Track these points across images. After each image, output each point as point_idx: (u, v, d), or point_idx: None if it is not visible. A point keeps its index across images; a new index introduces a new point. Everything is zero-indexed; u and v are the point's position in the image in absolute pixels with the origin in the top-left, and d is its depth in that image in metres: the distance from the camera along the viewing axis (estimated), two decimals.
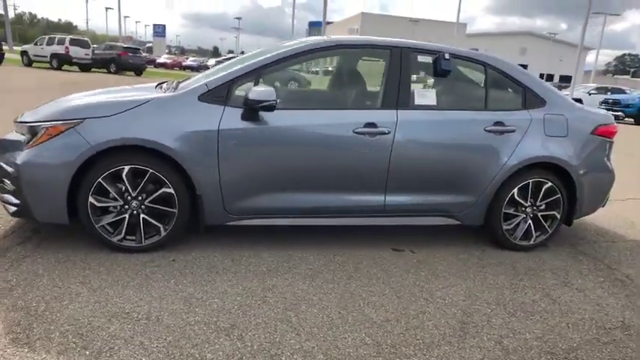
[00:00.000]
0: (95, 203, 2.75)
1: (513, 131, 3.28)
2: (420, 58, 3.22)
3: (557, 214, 3.47)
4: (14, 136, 2.93)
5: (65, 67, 22.77)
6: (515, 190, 3.34)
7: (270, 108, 2.77)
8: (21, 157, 2.71)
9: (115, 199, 2.79)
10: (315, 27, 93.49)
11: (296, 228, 3.35)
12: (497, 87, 3.43)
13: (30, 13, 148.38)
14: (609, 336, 2.43)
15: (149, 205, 2.84)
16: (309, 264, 2.95)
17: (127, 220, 2.83)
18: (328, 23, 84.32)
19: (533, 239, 3.47)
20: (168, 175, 2.79)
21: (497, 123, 3.25)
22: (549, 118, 3.39)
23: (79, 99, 3.03)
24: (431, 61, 3.23)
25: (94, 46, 27.22)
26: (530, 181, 3.35)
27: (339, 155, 3.02)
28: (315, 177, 3.03)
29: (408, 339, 2.23)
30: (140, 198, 2.82)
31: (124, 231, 2.83)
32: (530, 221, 3.45)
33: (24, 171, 2.68)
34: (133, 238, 2.87)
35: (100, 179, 2.71)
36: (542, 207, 3.45)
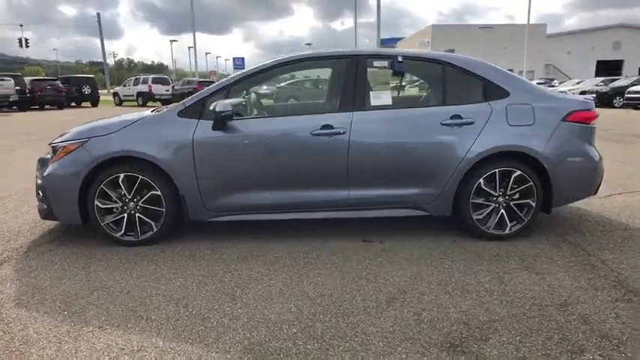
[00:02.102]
0: (100, 205, 3.37)
1: (472, 123, 3.41)
2: (377, 64, 3.50)
3: (531, 202, 3.49)
4: (49, 155, 3.68)
5: (150, 103, 25.36)
6: (482, 180, 3.44)
7: (229, 117, 3.23)
8: (46, 170, 3.43)
9: (116, 202, 3.39)
10: (386, 44, 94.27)
11: (278, 223, 3.74)
12: (455, 83, 3.58)
13: (128, 59, 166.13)
14: (540, 311, 2.49)
15: (142, 205, 3.40)
16: (276, 253, 3.31)
17: (125, 218, 3.42)
18: (399, 39, 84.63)
19: (508, 228, 3.52)
20: (155, 179, 3.35)
21: (454, 116, 3.41)
22: (513, 107, 3.47)
23: (96, 122, 3.72)
24: (386, 66, 3.50)
25: (175, 82, 30.10)
26: (497, 170, 3.43)
27: (301, 155, 3.38)
28: (282, 176, 3.41)
29: (331, 309, 2.50)
30: (135, 200, 3.40)
31: (124, 228, 3.42)
32: (503, 211, 3.51)
33: (47, 181, 3.39)
34: (132, 233, 3.44)
35: (102, 185, 3.34)
36: (516, 196, 3.50)
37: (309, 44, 75.02)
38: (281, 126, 3.41)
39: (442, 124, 3.39)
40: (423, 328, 2.33)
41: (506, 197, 3.50)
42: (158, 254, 3.31)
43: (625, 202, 4.57)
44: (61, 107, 23.72)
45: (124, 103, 26.61)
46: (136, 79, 27.12)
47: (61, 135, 3.74)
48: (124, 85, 27.94)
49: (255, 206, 3.46)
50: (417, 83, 3.77)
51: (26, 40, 43.37)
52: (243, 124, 3.37)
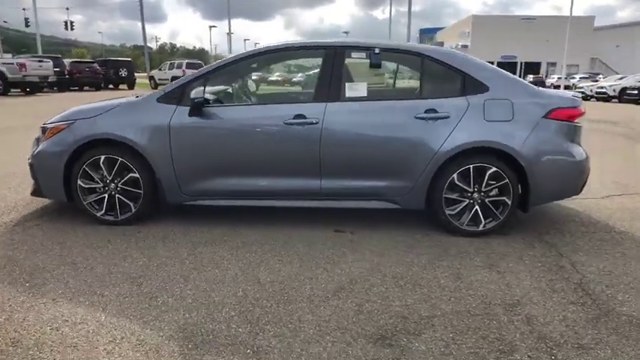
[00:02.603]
0: (83, 185, 3.54)
1: (447, 117, 3.36)
2: (354, 55, 3.49)
3: (507, 200, 3.42)
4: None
5: None
6: (455, 176, 3.39)
7: (201, 104, 3.30)
8: (35, 150, 3.62)
9: (97, 182, 3.55)
10: (426, 34, 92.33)
11: (257, 210, 3.82)
12: (433, 76, 3.53)
13: (170, 43, 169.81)
14: (486, 310, 2.47)
15: (122, 187, 3.55)
16: (245, 238, 3.39)
17: (106, 199, 3.57)
18: (440, 29, 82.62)
19: (482, 225, 3.46)
20: (134, 162, 3.48)
21: (429, 110, 3.36)
22: (491, 103, 3.38)
23: (84, 105, 3.89)
24: (364, 57, 3.47)
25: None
26: (471, 166, 3.37)
27: (273, 144, 3.43)
28: (256, 164, 3.47)
29: (275, 296, 2.56)
30: (116, 181, 3.54)
31: (104, 208, 3.58)
32: (477, 207, 3.45)
33: (36, 160, 3.59)
34: (112, 213, 3.60)
35: (84, 166, 3.50)
36: (492, 193, 3.43)
37: (346, 32, 74.44)
38: (256, 114, 3.47)
39: (416, 118, 3.36)
40: (360, 319, 2.35)
41: (482, 194, 3.44)
42: (134, 234, 3.45)
43: (621, 204, 4.39)
44: (98, 89, 24.62)
45: (160, 86, 27.31)
46: (171, 63, 27.79)
47: (53, 116, 3.93)
48: (160, 69, 28.70)
49: (230, 192, 3.54)
50: (403, 76, 3.71)
51: (71, 23, 45.03)
52: (219, 111, 3.45)
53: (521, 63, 50.73)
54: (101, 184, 3.55)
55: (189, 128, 3.43)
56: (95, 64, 24.83)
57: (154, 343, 2.10)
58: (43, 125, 3.72)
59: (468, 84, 3.44)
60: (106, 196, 3.57)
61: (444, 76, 3.52)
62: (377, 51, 3.43)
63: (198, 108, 3.38)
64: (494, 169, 3.36)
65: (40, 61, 19.85)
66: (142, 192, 3.53)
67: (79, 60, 27.55)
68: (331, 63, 3.46)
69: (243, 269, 2.89)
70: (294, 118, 3.36)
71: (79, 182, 3.53)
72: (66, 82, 22.07)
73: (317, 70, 3.51)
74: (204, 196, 3.56)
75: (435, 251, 3.23)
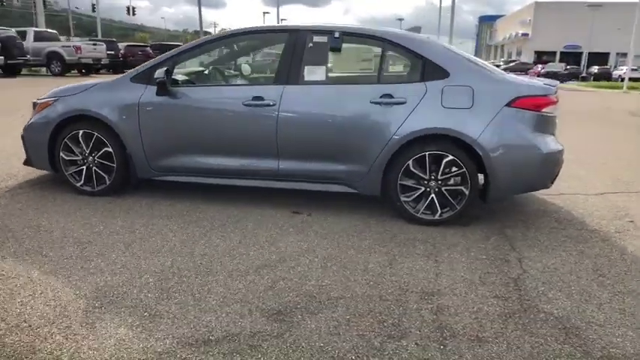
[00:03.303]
0: (65, 157, 3.82)
1: (403, 103, 3.31)
2: (316, 39, 3.50)
3: (464, 189, 3.34)
4: None
5: None
6: (411, 162, 3.34)
7: (163, 83, 3.45)
8: (26, 123, 3.94)
9: (77, 155, 3.82)
10: (485, 22, 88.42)
11: (224, 187, 3.95)
12: (394, 61, 3.48)
13: (228, 29, 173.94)
14: (398, 296, 2.45)
15: (98, 160, 3.79)
16: (202, 214, 3.53)
17: (84, 171, 3.84)
18: (500, 16, 78.83)
19: (438, 214, 3.40)
20: (108, 137, 3.71)
21: (385, 95, 3.32)
22: (450, 89, 3.29)
23: (71, 84, 4.16)
24: (325, 41, 3.47)
25: None
26: (427, 153, 3.31)
27: (233, 124, 3.53)
28: (217, 143, 3.60)
29: (200, 268, 2.68)
30: (93, 155, 3.80)
31: (83, 179, 3.85)
32: (433, 195, 3.40)
33: (26, 132, 3.91)
34: (90, 184, 3.86)
35: (65, 139, 3.77)
36: (451, 182, 3.36)
37: (400, 19, 72.83)
38: (217, 95, 3.58)
39: (371, 102, 3.33)
40: (267, 295, 2.42)
41: (438, 182, 3.37)
42: (105, 205, 3.69)
43: (611, 202, 4.12)
44: None
45: None
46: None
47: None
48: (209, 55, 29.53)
49: (194, 169, 3.70)
50: (365, 60, 3.68)
51: (133, 8, 47.30)
52: (184, 91, 3.59)
53: (586, 53, 47.49)
54: (80, 157, 3.82)
55: (155, 107, 3.60)
56: (148, 48, 25.97)
57: (66, 300, 2.29)
58: (34, 101, 4.03)
59: (427, 69, 3.36)
60: (84, 168, 3.83)
61: (404, 61, 3.46)
62: (337, 35, 3.42)
63: (163, 87, 3.53)
64: (450, 157, 3.29)
65: (94, 45, 21.11)
66: (114, 165, 3.76)
67: (133, 44, 28.93)
68: (293, 46, 3.50)
69: (183, 241, 3.04)
70: (252, 100, 3.44)
71: (62, 154, 3.81)
72: (120, 65, 23.28)
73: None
74: (171, 172, 3.74)
75: (380, 237, 3.22)
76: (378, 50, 3.48)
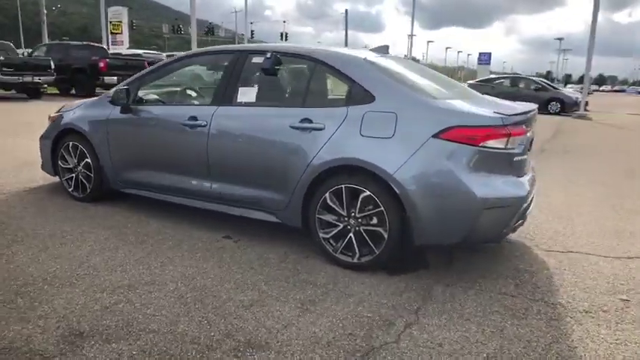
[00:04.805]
0: (62, 165, 4.35)
1: (321, 129, 2.99)
2: (254, 60, 3.38)
3: (382, 232, 2.86)
4: None
5: None
6: (328, 195, 2.99)
7: (112, 102, 3.70)
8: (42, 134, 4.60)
9: (69, 164, 4.30)
10: None
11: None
12: (322, 83, 3.17)
13: None
14: (184, 337, 2.21)
15: (82, 170, 4.22)
16: (144, 228, 3.62)
17: (74, 178, 4.29)
18: None
19: (356, 257, 2.97)
20: (88, 149, 4.11)
21: (305, 120, 3.04)
22: (372, 115, 2.87)
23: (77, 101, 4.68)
24: (260, 62, 3.33)
25: None
26: (343, 186, 2.93)
27: (175, 143, 3.61)
28: (162, 160, 3.72)
29: (61, 274, 2.79)
30: (80, 165, 4.24)
31: (72, 185, 4.31)
32: (351, 235, 2.98)
33: (40, 141, 4.55)
34: (77, 191, 4.30)
35: (61, 150, 4.29)
36: (373, 221, 2.92)
37: (560, 39, 65.81)
38: (165, 113, 3.70)
39: (291, 127, 3.08)
40: (92, 314, 2.40)
41: (358, 220, 2.95)
42: (83, 210, 4.03)
43: (631, 271, 3.09)
44: None
45: None
46: None
47: None
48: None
49: (148, 185, 3.86)
50: (298, 82, 3.44)
51: (286, 34, 52.04)
52: (142, 110, 3.80)
53: None
54: (72, 166, 4.30)
55: (119, 123, 3.88)
56: None
57: None
58: (50, 114, 4.67)
59: (354, 93, 2.99)
60: (74, 175, 4.29)
61: (332, 84, 3.13)
62: (268, 55, 3.26)
63: (123, 106, 3.79)
64: (367, 193, 2.85)
65: None
66: (92, 175, 4.14)
67: None
68: (232, 67, 3.45)
69: (93, 249, 3.20)
70: (188, 120, 3.48)
71: (60, 163, 4.35)
72: None
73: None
74: (131, 185, 3.97)
75: (280, 274, 2.93)
76: (308, 71, 3.22)
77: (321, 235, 3.08)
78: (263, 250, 3.28)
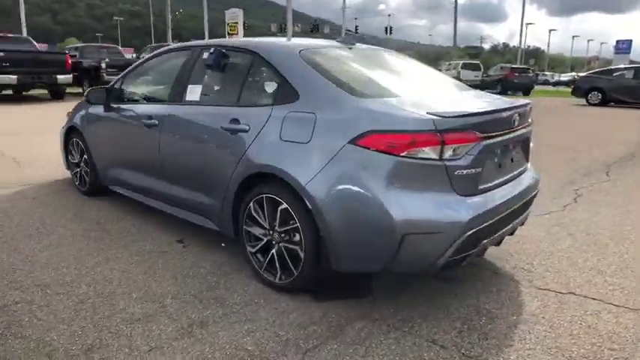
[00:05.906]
0: (71, 160, 4.61)
1: (246, 131, 2.68)
2: (204, 56, 3.17)
3: (299, 251, 2.48)
4: None
5: None
6: (252, 205, 2.69)
7: (88, 100, 3.77)
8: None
9: (75, 159, 4.53)
10: None
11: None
12: (257, 80, 2.83)
13: (503, 44, 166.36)
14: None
15: (82, 165, 4.41)
16: (117, 226, 3.66)
17: (79, 172, 4.51)
18: None
19: (277, 277, 2.63)
20: (85, 146, 4.28)
21: (233, 120, 2.76)
22: (292, 116, 2.50)
23: None
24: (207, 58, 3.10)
25: (497, 67, 28.80)
26: (264, 196, 2.60)
27: (138, 143, 3.56)
28: (129, 160, 3.72)
29: (13, 270, 2.87)
30: (82, 160, 4.43)
31: (78, 179, 4.54)
32: (273, 251, 2.64)
33: (60, 136, 4.87)
34: (80, 184, 4.51)
35: (69, 146, 4.55)
36: (296, 237, 2.55)
37: None
38: (132, 112, 3.66)
39: (222, 128, 2.82)
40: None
41: (281, 235, 2.60)
42: (78, 204, 4.23)
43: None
44: None
45: None
46: (449, 64, 27.79)
47: None
48: (440, 70, 29.14)
49: (122, 183, 3.90)
50: (240, 78, 3.08)
51: (390, 28, 50.81)
52: (118, 108, 3.82)
53: None
54: (76, 160, 4.52)
55: (102, 120, 3.97)
56: None
57: None
58: (68, 111, 4.97)
59: (282, 91, 2.63)
60: (79, 170, 4.52)
61: (265, 80, 2.79)
62: (211, 50, 3.02)
63: (104, 104, 3.86)
64: (284, 205, 2.49)
65: None
66: (89, 170, 4.31)
67: None
68: (187, 64, 3.29)
69: (51, 243, 3.30)
70: (146, 119, 3.40)
71: (69, 157, 4.61)
72: None
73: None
74: (114, 182, 4.04)
75: (185, 282, 2.72)
76: (246, 66, 2.91)
77: (248, 248, 2.79)
78: (201, 259, 3.09)
